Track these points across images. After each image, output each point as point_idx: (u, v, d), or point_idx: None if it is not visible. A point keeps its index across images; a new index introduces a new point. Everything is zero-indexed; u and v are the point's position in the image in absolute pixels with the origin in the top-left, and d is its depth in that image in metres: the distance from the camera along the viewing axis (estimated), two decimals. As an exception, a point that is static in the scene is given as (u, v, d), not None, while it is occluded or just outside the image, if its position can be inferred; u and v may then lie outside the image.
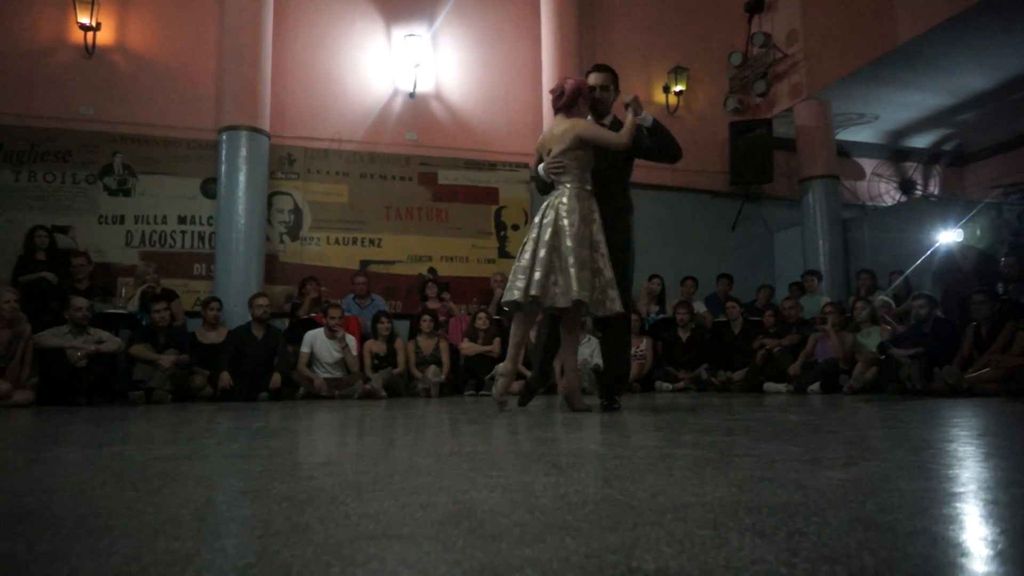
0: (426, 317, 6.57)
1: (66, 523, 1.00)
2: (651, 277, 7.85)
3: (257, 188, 7.08)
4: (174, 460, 1.74)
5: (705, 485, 1.28)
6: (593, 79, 3.79)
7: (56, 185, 6.96)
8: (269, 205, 7.36)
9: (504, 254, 8.10)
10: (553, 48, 8.15)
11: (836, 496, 1.21)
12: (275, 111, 7.40)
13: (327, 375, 6.07)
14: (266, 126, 7.24)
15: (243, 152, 7.02)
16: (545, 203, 3.57)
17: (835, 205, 8.62)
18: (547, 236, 3.42)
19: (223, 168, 7.02)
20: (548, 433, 2.54)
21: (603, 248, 3.47)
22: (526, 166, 8.26)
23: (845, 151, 9.77)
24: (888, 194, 10.20)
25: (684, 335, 7.00)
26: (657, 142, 3.69)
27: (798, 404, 4.28)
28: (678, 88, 8.96)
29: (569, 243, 3.38)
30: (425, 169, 7.99)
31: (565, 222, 3.42)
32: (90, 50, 7.13)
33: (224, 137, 7.06)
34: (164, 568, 0.77)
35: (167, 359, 5.56)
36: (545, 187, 3.70)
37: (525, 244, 3.56)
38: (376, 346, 6.42)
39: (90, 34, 7.10)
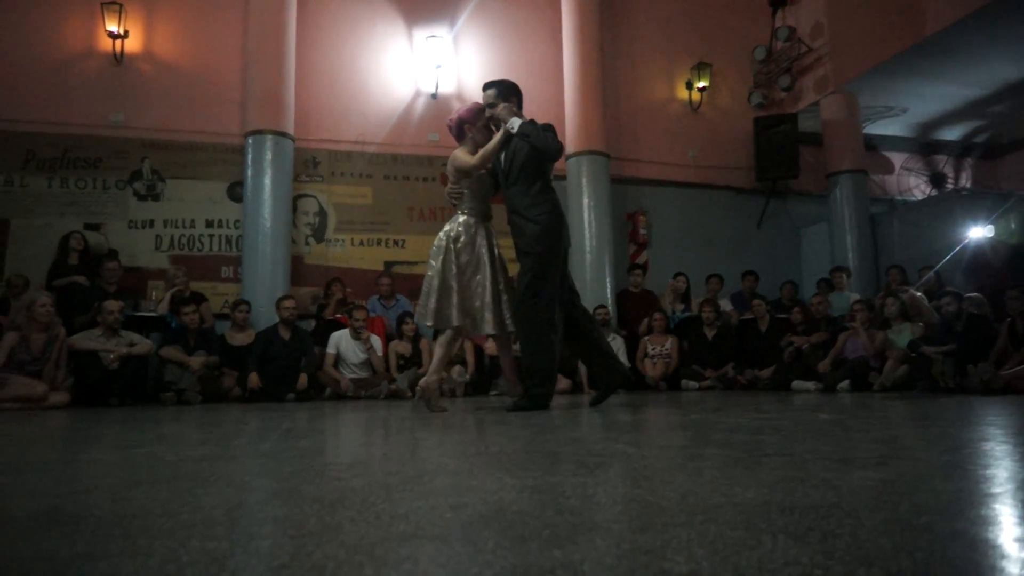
0: (450, 317, 6.58)
1: (104, 523, 1.02)
2: (676, 275, 7.80)
3: (282, 191, 7.15)
4: (206, 461, 1.76)
5: (735, 486, 1.27)
6: (484, 98, 3.97)
7: (87, 191, 7.11)
8: (294, 208, 7.44)
9: (527, 253, 8.08)
10: (574, 46, 8.12)
11: (870, 497, 1.19)
12: (299, 114, 7.48)
13: (353, 376, 6.12)
14: (291, 129, 7.31)
15: (268, 156, 7.09)
16: (443, 230, 3.87)
17: (863, 200, 8.49)
18: (439, 263, 3.78)
19: (249, 172, 7.10)
20: (574, 433, 2.54)
21: (487, 269, 3.73)
22: (548, 165, 8.25)
23: (873, 145, 9.62)
24: (918, 188, 10.02)
25: (710, 333, 6.95)
26: (531, 143, 3.74)
27: (827, 402, 4.22)
28: (701, 84, 8.89)
29: (454, 271, 3.72)
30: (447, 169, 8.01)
31: (452, 248, 3.75)
32: (119, 58, 7.26)
33: (250, 141, 7.15)
34: (201, 568, 0.78)
35: (196, 361, 5.65)
36: None
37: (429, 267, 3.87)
38: (401, 347, 6.46)
39: (118, 42, 7.23)
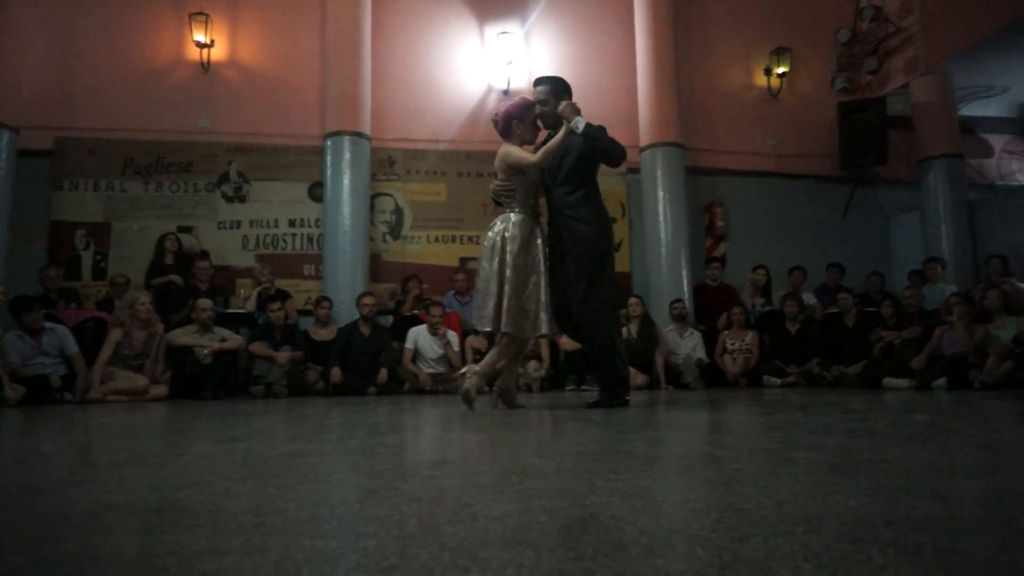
0: (525, 312, 6.61)
1: (220, 518, 1.08)
2: (755, 268, 7.58)
3: (360, 190, 7.35)
4: (302, 456, 1.84)
5: (835, 494, 1.23)
6: (534, 94, 3.83)
7: (180, 194, 7.49)
8: (372, 206, 7.62)
9: (601, 248, 8.04)
10: (647, 36, 7.99)
11: (982, 508, 1.14)
12: (375, 115, 7.65)
13: (431, 370, 6.24)
14: (367, 130, 7.49)
15: (346, 156, 7.30)
16: (491, 229, 3.74)
17: (959, 186, 8.03)
18: (495, 265, 3.62)
19: (328, 172, 7.33)
20: (657, 433, 2.51)
21: (541, 268, 3.63)
22: (622, 158, 8.15)
23: (969, 127, 9.06)
24: (1021, 172, 9.37)
25: (792, 328, 6.72)
26: (594, 146, 3.62)
27: (923, 402, 4.02)
28: (780, 70, 8.59)
29: (509, 273, 3.56)
30: (521, 165, 8.02)
31: (508, 248, 3.59)
32: (206, 66, 7.62)
33: (329, 142, 7.37)
34: (315, 567, 0.82)
35: (283, 356, 5.89)
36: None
37: (483, 269, 3.73)
38: (478, 342, 6.53)
39: (205, 51, 7.58)
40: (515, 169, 3.67)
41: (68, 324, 5.65)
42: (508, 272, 3.57)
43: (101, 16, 7.55)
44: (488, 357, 3.72)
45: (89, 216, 7.28)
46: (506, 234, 3.62)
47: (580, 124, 3.58)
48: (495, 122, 3.79)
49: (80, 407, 4.68)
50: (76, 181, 7.30)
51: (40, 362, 5.19)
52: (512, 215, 3.67)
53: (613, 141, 3.63)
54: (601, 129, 3.63)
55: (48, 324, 5.34)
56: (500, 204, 3.81)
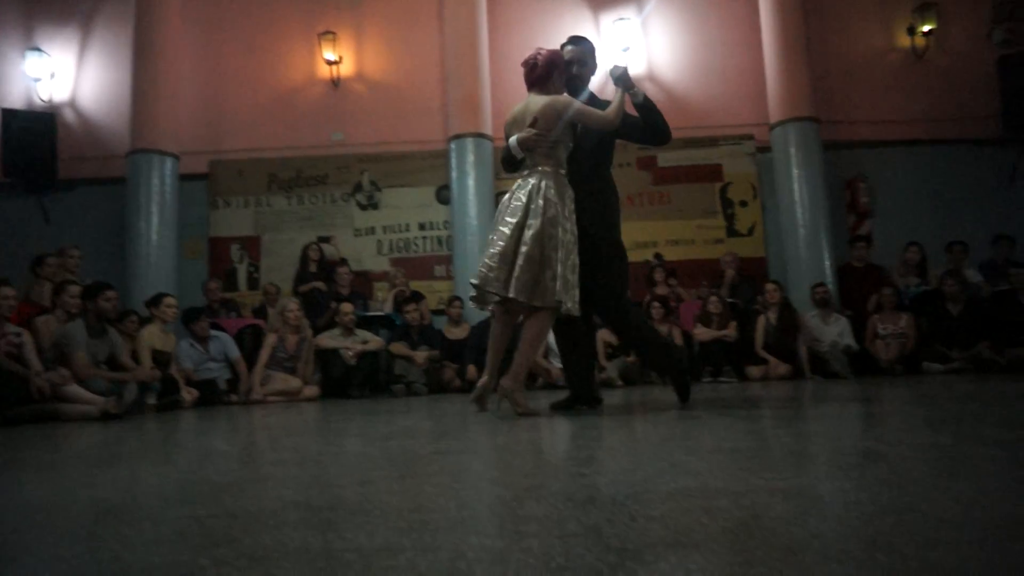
0: (656, 304, 6.49)
1: (389, 516, 1.14)
2: (908, 245, 6.99)
3: (485, 190, 7.51)
4: (453, 454, 1.90)
5: (1031, 495, 1.12)
6: (568, 53, 3.44)
7: (319, 205, 8.00)
8: (496, 205, 7.75)
9: (732, 232, 7.74)
10: (772, 7, 7.59)
11: None
12: (495, 114, 7.76)
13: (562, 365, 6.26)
14: (489, 130, 7.63)
15: (470, 158, 7.48)
16: (519, 186, 3.23)
17: None
18: (533, 227, 3.08)
19: (454, 175, 7.54)
20: (807, 426, 2.39)
21: (575, 240, 3.14)
22: (751, 137, 7.81)
23: None
24: None
25: (955, 309, 6.14)
26: (644, 120, 3.31)
27: (1120, 387, 3.56)
28: (926, 27, 7.87)
29: (560, 235, 3.07)
30: (643, 153, 7.87)
31: (548, 212, 3.08)
32: (336, 82, 8.08)
33: (453, 145, 7.58)
34: (487, 566, 0.84)
35: (421, 355, 6.14)
36: (512, 166, 3.35)
37: (501, 227, 3.21)
38: (609, 335, 6.48)
39: (335, 67, 8.05)
40: (563, 124, 3.21)
41: (230, 332, 6.18)
42: (558, 238, 3.07)
43: (242, 46, 8.20)
44: (523, 351, 3.25)
45: (241, 231, 7.94)
46: (544, 189, 3.11)
47: (640, 94, 3.32)
48: (533, 65, 3.31)
49: (244, 408, 5.11)
50: (229, 199, 7.98)
51: (208, 367, 5.71)
52: (549, 174, 3.17)
53: (661, 116, 3.37)
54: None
55: (213, 332, 5.87)
56: (513, 163, 3.33)
